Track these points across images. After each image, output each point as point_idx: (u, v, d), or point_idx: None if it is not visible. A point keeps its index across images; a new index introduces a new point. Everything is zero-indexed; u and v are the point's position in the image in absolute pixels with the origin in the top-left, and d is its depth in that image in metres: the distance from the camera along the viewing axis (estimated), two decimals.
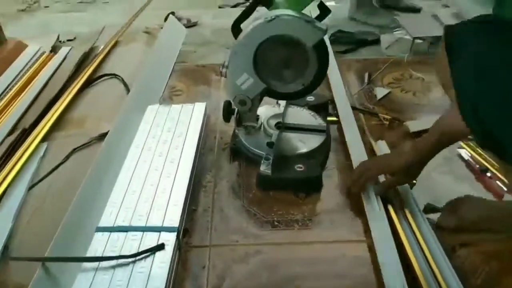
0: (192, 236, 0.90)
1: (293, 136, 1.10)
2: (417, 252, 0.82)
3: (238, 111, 1.08)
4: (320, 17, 0.96)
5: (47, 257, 0.77)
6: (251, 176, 1.04)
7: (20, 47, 1.54)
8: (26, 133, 1.12)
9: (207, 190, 1.02)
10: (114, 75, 1.39)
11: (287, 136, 1.10)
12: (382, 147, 1.11)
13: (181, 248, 0.85)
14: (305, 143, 1.07)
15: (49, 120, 1.16)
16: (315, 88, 1.01)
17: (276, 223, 0.93)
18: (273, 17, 0.89)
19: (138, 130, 1.13)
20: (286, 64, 0.98)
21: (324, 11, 0.95)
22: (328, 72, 1.05)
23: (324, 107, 1.22)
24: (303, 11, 0.93)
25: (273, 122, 1.13)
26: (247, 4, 1.12)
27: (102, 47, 1.56)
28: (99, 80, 1.38)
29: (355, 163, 1.01)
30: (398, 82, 1.43)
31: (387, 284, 0.75)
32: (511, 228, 0.85)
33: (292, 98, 1.06)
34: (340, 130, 1.16)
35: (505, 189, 0.97)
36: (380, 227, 0.87)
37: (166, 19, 1.80)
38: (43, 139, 1.11)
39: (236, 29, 0.98)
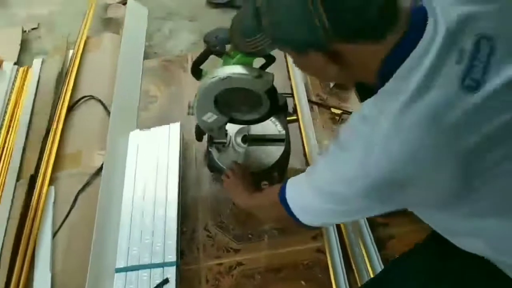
0: (187, 255, 1.18)
1: (257, 149, 1.29)
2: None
3: None
4: (265, 66, 1.08)
5: None
6: None
7: None
8: (33, 179, 1.32)
9: (191, 209, 1.27)
10: (91, 97, 1.51)
11: (252, 151, 1.29)
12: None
13: (180, 271, 1.14)
14: (268, 156, 1.27)
15: (48, 161, 1.35)
16: (271, 116, 1.17)
17: (249, 236, 1.20)
18: (225, 77, 1.02)
19: (127, 160, 1.33)
20: (243, 102, 1.13)
21: (269, 59, 1.06)
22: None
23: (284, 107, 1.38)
24: None
25: (240, 136, 1.31)
26: None
27: (70, 56, 1.64)
28: (78, 103, 1.51)
29: None
30: None
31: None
32: None
33: (251, 124, 1.23)
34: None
35: None
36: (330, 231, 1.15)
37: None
38: (49, 183, 1.31)
39: (195, 70, 1.10)
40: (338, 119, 1.39)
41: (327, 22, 0.56)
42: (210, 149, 1.30)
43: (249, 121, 1.20)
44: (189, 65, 1.62)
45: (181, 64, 1.64)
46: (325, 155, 0.72)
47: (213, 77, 1.02)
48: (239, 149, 1.28)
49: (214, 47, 1.04)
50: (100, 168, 1.33)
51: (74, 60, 1.61)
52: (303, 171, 0.76)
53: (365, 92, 0.70)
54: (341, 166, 0.67)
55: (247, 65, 1.02)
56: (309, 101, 1.43)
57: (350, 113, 1.39)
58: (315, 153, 1.29)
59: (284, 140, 1.28)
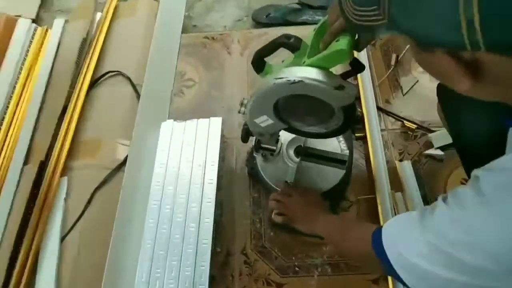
0: (218, 283, 0.98)
1: (312, 168, 1.07)
2: None
3: None
4: (349, 74, 0.84)
5: None
6: None
7: (11, 23, 1.39)
8: (43, 166, 1.11)
9: (228, 224, 1.06)
10: (119, 73, 1.28)
11: (305, 169, 1.07)
12: (406, 169, 1.09)
13: None
14: (323, 178, 1.05)
15: (63, 145, 1.13)
16: (339, 135, 0.95)
17: (297, 269, 0.99)
18: (297, 81, 0.79)
19: (156, 157, 1.11)
20: (310, 112, 0.90)
21: (357, 68, 0.82)
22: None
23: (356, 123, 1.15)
24: None
25: (293, 146, 1.09)
26: None
27: (97, 21, 1.40)
28: (101, 80, 1.28)
29: (379, 199, 1.02)
30: None
31: None
32: None
33: (313, 137, 1.00)
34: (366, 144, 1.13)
35: None
36: None
37: None
38: (61, 174, 1.10)
39: (258, 62, 0.87)
40: (411, 135, 1.16)
41: (478, 25, 0.39)
42: (255, 154, 1.09)
43: (311, 134, 0.98)
44: (234, 46, 1.38)
45: (225, 44, 1.40)
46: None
47: (280, 78, 0.79)
48: (289, 163, 1.07)
49: (288, 39, 0.79)
50: (123, 163, 1.12)
51: (102, 26, 1.37)
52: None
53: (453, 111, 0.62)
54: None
55: (324, 70, 0.78)
56: (379, 108, 1.20)
57: (428, 130, 1.16)
58: (383, 182, 1.06)
59: (346, 162, 1.06)
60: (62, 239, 1.02)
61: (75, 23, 1.40)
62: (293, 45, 0.79)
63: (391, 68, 1.29)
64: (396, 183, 1.07)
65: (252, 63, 0.86)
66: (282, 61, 0.83)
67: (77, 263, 0.99)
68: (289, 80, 0.78)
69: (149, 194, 1.05)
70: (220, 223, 1.06)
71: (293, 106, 0.88)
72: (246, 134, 1.04)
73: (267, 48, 0.82)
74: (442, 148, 1.11)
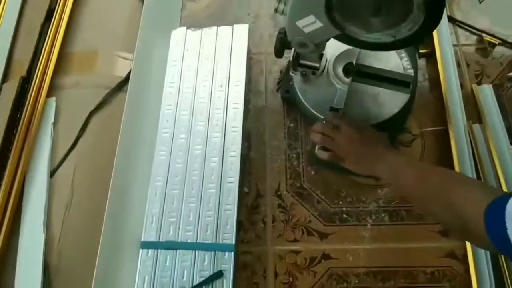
0: (248, 231, 0.79)
1: (365, 90, 0.83)
2: None
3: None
4: None
5: None
6: None
7: None
8: (25, 82, 0.88)
9: (257, 160, 0.85)
10: None
11: (358, 92, 0.83)
12: (486, 95, 0.85)
13: (237, 255, 0.75)
14: (381, 105, 0.81)
15: (49, 58, 0.90)
16: (411, 45, 0.70)
17: (345, 216, 0.79)
18: None
19: (166, 72, 0.88)
20: (376, 11, 0.65)
21: None
22: None
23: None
24: None
25: (342, 63, 0.84)
26: None
27: None
28: None
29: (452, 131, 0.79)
30: None
31: None
32: None
33: (374, 49, 0.75)
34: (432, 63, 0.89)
35: None
36: None
37: None
38: (48, 94, 0.88)
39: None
40: (489, 48, 0.90)
41: None
42: (291, 73, 0.85)
43: (371, 44, 0.73)
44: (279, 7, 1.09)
45: None
46: None
47: None
48: (337, 84, 0.83)
49: None
50: (126, 80, 0.89)
51: None
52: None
53: None
54: None
55: None
56: (450, 18, 0.94)
57: (510, 44, 0.90)
58: (456, 110, 0.83)
59: (411, 84, 0.82)
60: (52, 173, 0.81)
61: None
62: None
63: None
64: (473, 112, 0.84)
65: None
66: None
67: (71, 203, 0.79)
68: None
69: (159, 120, 0.83)
70: (248, 158, 0.84)
71: (354, 1, 0.63)
72: (281, 45, 0.80)
73: None
74: None
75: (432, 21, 0.62)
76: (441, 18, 0.62)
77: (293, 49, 0.81)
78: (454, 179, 0.58)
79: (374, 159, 0.68)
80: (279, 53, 0.82)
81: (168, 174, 0.78)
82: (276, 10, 0.69)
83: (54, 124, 0.85)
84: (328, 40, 0.74)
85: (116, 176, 0.77)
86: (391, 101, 0.82)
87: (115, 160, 0.78)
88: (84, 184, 0.80)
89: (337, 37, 0.70)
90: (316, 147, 0.78)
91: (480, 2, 0.96)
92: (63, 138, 0.84)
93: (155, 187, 0.77)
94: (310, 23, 0.67)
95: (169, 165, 0.79)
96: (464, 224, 0.50)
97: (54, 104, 0.87)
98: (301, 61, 0.83)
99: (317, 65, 0.83)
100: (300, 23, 0.67)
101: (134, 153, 0.83)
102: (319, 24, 0.66)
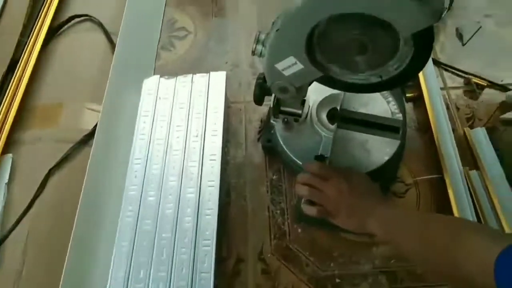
0: None
1: (354, 138, 0.77)
2: None
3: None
4: None
5: None
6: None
7: None
8: None
9: (238, 218, 0.76)
10: (88, 17, 0.96)
11: (344, 139, 0.77)
12: (480, 138, 0.79)
13: None
14: (370, 153, 0.75)
15: (8, 113, 0.82)
16: (398, 86, 0.65)
17: (338, 280, 0.69)
18: None
19: (137, 124, 0.80)
20: (361, 49, 0.60)
21: None
22: None
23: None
24: None
25: (325, 109, 0.79)
26: None
27: None
28: (66, 26, 0.96)
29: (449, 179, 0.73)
30: (491, 5, 1.00)
31: None
32: None
33: (360, 91, 0.69)
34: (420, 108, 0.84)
35: None
36: None
37: None
38: (4, 150, 0.79)
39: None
40: (478, 90, 0.86)
41: None
42: (272, 121, 0.79)
43: (356, 86, 0.67)
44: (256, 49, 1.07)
45: None
46: None
47: None
48: (322, 131, 0.77)
49: None
50: (92, 133, 0.81)
51: None
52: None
53: None
54: None
55: None
56: (435, 62, 0.90)
57: (503, 88, 0.86)
58: (450, 156, 0.77)
59: (399, 129, 0.76)
60: (2, 240, 0.71)
61: None
62: None
63: (445, 11, 0.99)
64: (467, 157, 0.78)
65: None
66: None
67: (20, 277, 0.68)
68: None
69: (126, 176, 0.75)
70: (227, 216, 0.76)
71: (337, 40, 0.58)
72: (261, 91, 0.74)
73: None
74: None
75: (421, 57, 0.58)
76: (430, 54, 0.58)
77: (273, 95, 0.75)
78: (456, 227, 0.51)
79: (365, 214, 0.61)
80: (258, 100, 0.76)
81: (135, 238, 0.68)
82: (253, 52, 0.63)
83: (9, 183, 0.76)
84: (310, 83, 0.69)
85: (75, 245, 0.67)
86: (380, 148, 0.75)
87: (74, 225, 0.69)
88: (37, 253, 0.69)
89: (319, 80, 0.65)
90: (302, 202, 0.70)
91: (464, 45, 0.94)
92: (18, 199, 0.75)
93: (120, 254, 0.67)
94: (290, 65, 0.61)
95: (136, 227, 0.69)
96: (471, 278, 0.42)
97: (10, 161, 0.78)
98: (282, 108, 0.77)
99: (300, 111, 0.77)
100: (280, 66, 0.62)
101: (98, 215, 0.74)
102: (299, 66, 0.61)
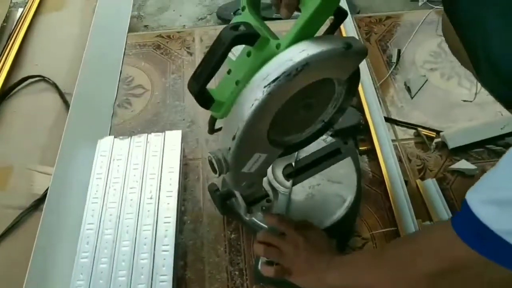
0: None
1: (309, 195, 0.77)
2: None
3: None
4: (333, 28, 0.59)
5: None
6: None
7: None
8: None
9: (195, 281, 0.73)
10: (41, 78, 0.96)
11: (300, 196, 0.77)
12: (431, 190, 0.81)
13: None
14: (326, 208, 0.75)
15: None
16: (338, 119, 0.67)
17: None
18: (299, 68, 0.50)
19: (90, 186, 0.78)
20: (307, 109, 0.62)
21: (341, 16, 0.56)
22: None
23: (354, 130, 0.86)
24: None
25: (280, 166, 0.80)
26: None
27: (18, 17, 1.08)
28: (18, 88, 0.95)
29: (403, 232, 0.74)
30: (436, 59, 1.06)
31: None
32: None
33: (310, 142, 0.71)
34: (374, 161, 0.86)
35: None
36: None
37: None
38: None
39: (204, 94, 0.55)
40: (427, 141, 0.90)
41: None
42: (251, 219, 0.76)
43: (308, 139, 0.69)
44: (196, 45, 1.10)
45: (184, 43, 1.11)
46: None
47: (270, 80, 0.49)
48: (279, 188, 0.77)
49: (237, 29, 0.49)
50: (43, 198, 0.79)
51: (22, 21, 1.05)
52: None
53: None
54: None
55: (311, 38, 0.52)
56: (387, 119, 0.94)
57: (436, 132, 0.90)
58: (404, 209, 0.78)
59: (339, 149, 0.80)
60: None
61: None
62: (250, 33, 0.50)
63: (393, 66, 1.04)
64: (421, 208, 0.80)
65: (197, 97, 0.54)
66: (228, 73, 0.54)
67: None
68: (286, 74, 0.49)
69: (78, 243, 0.72)
70: (183, 280, 0.73)
71: (289, 118, 0.60)
72: (223, 202, 0.77)
73: (210, 62, 0.50)
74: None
75: (354, 86, 0.61)
76: (359, 80, 0.61)
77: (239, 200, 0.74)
78: (407, 245, 0.51)
79: (322, 268, 0.60)
80: (226, 211, 0.78)
81: None
82: (219, 174, 0.60)
83: None
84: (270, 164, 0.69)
85: None
86: (336, 202, 0.76)
87: None
88: None
89: (280, 155, 0.66)
90: (259, 263, 0.69)
91: (412, 97, 0.98)
92: None
93: None
94: (255, 161, 0.61)
95: None
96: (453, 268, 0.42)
97: None
98: (250, 201, 0.76)
99: (265, 192, 0.77)
100: (246, 168, 0.61)
101: (47, 285, 0.70)
102: (263, 156, 0.61)
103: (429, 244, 0.46)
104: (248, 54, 0.52)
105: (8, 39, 1.02)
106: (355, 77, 0.60)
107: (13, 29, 1.04)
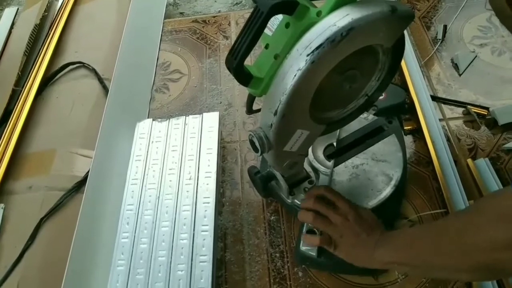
0: None
1: (353, 174, 0.74)
2: None
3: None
4: None
5: None
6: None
7: None
8: None
9: (234, 263, 0.72)
10: (82, 64, 0.97)
11: (343, 176, 0.74)
12: (483, 170, 0.76)
13: None
14: (370, 190, 0.71)
15: (0, 165, 0.81)
16: (382, 92, 0.63)
17: None
18: (344, 34, 0.47)
19: (129, 168, 0.79)
20: (351, 82, 0.59)
21: None
22: None
23: (398, 109, 0.82)
24: None
25: (321, 145, 0.77)
26: None
27: (58, 8, 1.10)
28: (60, 74, 0.97)
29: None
30: (485, 34, 0.99)
31: None
32: None
33: (353, 119, 0.67)
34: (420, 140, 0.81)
35: None
36: None
37: None
38: None
39: (242, 71, 0.50)
40: (479, 120, 0.84)
41: None
42: (293, 201, 0.74)
43: (350, 116, 0.66)
44: (232, 29, 1.09)
45: (220, 27, 1.10)
46: None
47: (312, 48, 0.46)
48: (320, 168, 0.74)
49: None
50: (83, 181, 0.80)
51: (63, 11, 1.08)
52: None
53: None
54: None
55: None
56: (434, 98, 0.89)
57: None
58: (454, 189, 0.74)
59: (383, 127, 0.76)
60: None
61: (29, 10, 1.11)
62: (289, 1, 0.47)
63: (439, 43, 0.98)
64: (472, 189, 0.75)
65: (235, 72, 0.50)
66: (265, 48, 0.51)
67: None
68: (330, 40, 0.46)
69: (119, 224, 0.72)
70: (223, 262, 0.72)
71: (332, 91, 0.57)
72: (265, 184, 0.72)
73: (248, 35, 0.47)
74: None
75: (399, 55, 0.58)
76: (404, 49, 0.57)
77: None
78: (470, 216, 0.48)
79: (372, 245, 0.57)
80: (268, 194, 0.75)
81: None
82: (261, 153, 0.58)
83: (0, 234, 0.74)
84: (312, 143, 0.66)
85: None
86: (382, 181, 0.73)
87: (64, 276, 0.66)
88: None
89: (322, 133, 0.63)
90: (301, 244, 0.67)
91: (460, 75, 0.93)
92: (8, 251, 0.73)
93: None
94: (297, 139, 0.58)
95: (128, 276, 0.66)
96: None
97: (1, 212, 0.76)
98: (291, 183, 0.73)
99: (307, 174, 0.74)
100: (288, 146, 0.59)
101: (89, 265, 0.70)
102: (305, 134, 0.58)
103: (496, 211, 0.42)
104: (287, 26, 0.50)
105: (49, 28, 1.05)
106: (400, 44, 0.56)
107: (54, 19, 1.07)
